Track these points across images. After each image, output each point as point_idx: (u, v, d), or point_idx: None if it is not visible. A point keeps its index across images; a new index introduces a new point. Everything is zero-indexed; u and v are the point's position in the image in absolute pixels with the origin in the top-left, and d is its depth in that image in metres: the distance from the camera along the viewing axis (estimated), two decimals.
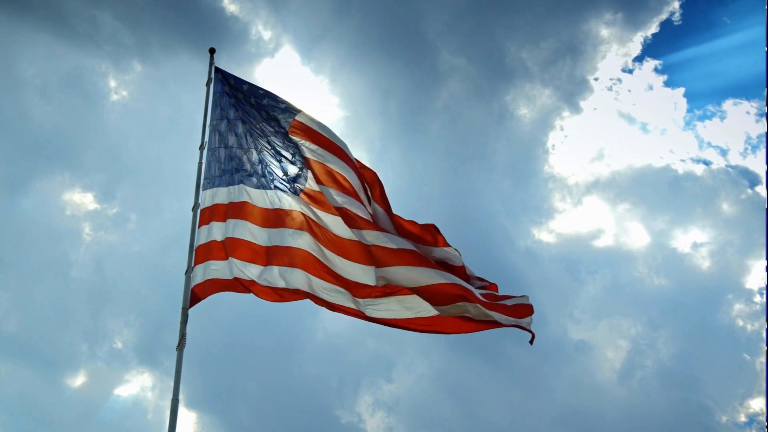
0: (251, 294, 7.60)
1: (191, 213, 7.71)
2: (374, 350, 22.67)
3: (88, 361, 21.96)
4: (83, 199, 24.20)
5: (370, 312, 7.37)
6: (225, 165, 7.91)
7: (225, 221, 7.72)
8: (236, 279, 7.54)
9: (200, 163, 7.92)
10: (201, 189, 7.80)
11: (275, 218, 7.78)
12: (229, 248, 7.62)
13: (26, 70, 23.11)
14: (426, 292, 7.19)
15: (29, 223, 22.23)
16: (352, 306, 7.42)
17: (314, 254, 7.60)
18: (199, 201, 7.75)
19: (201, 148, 8.00)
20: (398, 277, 7.27)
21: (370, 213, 7.83)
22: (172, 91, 24.36)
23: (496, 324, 7.25)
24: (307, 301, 7.61)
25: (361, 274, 7.38)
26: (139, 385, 22.42)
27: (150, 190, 24.13)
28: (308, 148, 7.99)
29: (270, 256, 7.63)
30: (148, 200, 24.14)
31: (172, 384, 6.88)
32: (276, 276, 7.54)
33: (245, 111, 8.16)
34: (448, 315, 7.27)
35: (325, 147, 7.99)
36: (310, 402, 20.65)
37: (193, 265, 7.45)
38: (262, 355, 21.26)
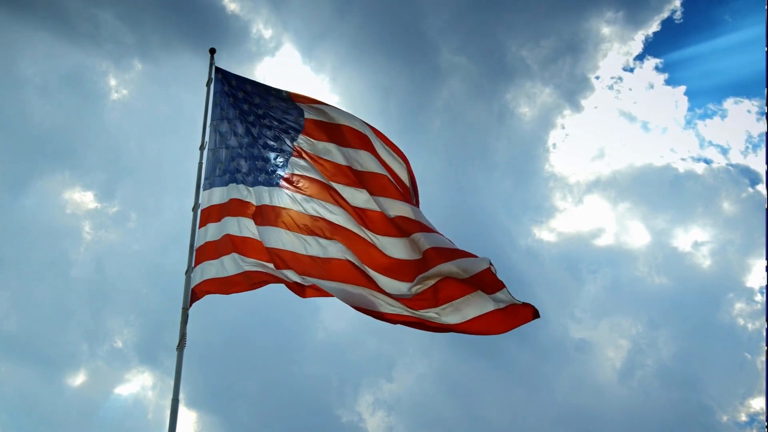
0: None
1: (191, 213, 7.69)
2: (375, 349, 22.69)
3: (89, 361, 21.99)
4: (83, 198, 24.23)
5: (445, 317, 6.98)
6: (226, 165, 7.89)
7: (264, 226, 7.61)
8: (296, 283, 7.40)
9: (200, 164, 7.90)
10: (201, 189, 7.79)
11: (311, 225, 7.64)
12: (276, 257, 7.46)
13: (26, 68, 23.13)
14: (477, 279, 6.82)
15: (29, 222, 22.25)
16: (411, 315, 7.12)
17: (358, 267, 7.37)
18: (199, 201, 7.74)
19: (201, 148, 7.99)
20: (451, 269, 6.89)
21: (414, 209, 7.46)
22: (172, 89, 24.38)
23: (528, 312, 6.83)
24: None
25: (407, 289, 7.12)
26: (139, 385, 22.47)
27: (150, 189, 24.14)
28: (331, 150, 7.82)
29: (316, 267, 7.43)
30: (149, 199, 24.17)
31: (172, 383, 6.87)
32: (332, 288, 7.31)
33: (243, 110, 8.12)
34: (498, 302, 6.83)
35: (352, 144, 7.75)
36: (310, 401, 20.67)
37: (193, 264, 7.42)
38: (262, 354, 21.29)
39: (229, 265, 7.49)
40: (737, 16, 26.75)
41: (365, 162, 7.64)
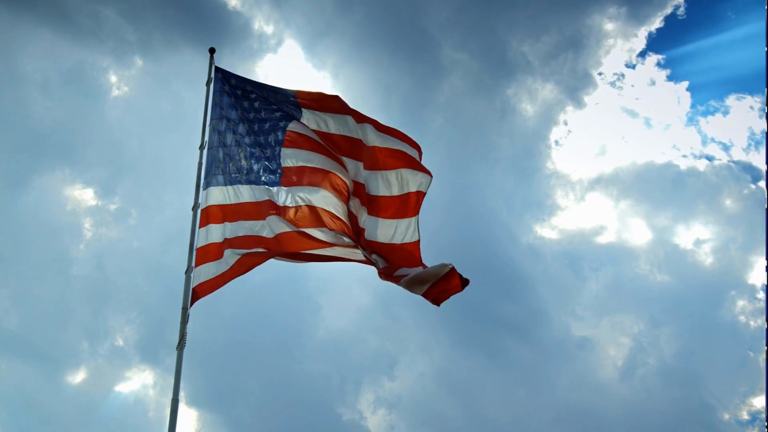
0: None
1: (191, 212, 7.67)
2: (376, 348, 22.74)
3: (89, 359, 22.00)
4: (84, 195, 24.23)
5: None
6: (224, 165, 7.88)
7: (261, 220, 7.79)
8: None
9: (200, 163, 7.89)
10: (200, 189, 7.77)
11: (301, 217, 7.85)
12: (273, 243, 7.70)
13: (27, 65, 23.14)
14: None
15: (30, 219, 22.25)
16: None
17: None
18: (199, 201, 7.72)
19: (201, 147, 7.98)
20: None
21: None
22: (173, 87, 24.38)
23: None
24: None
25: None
26: (140, 383, 22.48)
27: (151, 186, 24.17)
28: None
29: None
30: (149, 196, 24.19)
31: (173, 382, 6.87)
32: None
33: (244, 108, 8.11)
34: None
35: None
36: (311, 399, 20.70)
37: (194, 265, 7.41)
38: (263, 352, 21.32)
39: (226, 261, 7.53)
40: (740, 13, 26.64)
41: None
